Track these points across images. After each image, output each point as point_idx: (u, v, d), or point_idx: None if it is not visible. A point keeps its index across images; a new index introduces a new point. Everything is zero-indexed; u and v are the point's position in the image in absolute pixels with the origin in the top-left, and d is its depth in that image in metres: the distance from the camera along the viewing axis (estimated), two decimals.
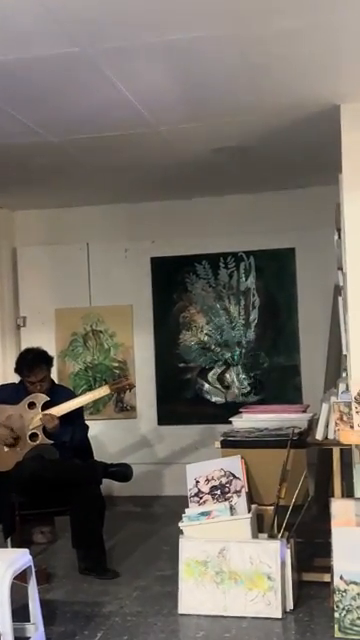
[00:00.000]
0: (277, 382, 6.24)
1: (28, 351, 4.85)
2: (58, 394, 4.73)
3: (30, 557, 3.28)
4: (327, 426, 3.92)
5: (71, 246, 6.61)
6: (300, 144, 4.81)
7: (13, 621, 3.03)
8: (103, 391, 4.74)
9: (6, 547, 4.52)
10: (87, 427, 4.86)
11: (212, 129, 4.44)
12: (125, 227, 6.52)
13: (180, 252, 6.40)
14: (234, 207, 6.29)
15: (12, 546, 4.55)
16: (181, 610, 3.76)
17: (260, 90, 3.80)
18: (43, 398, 4.60)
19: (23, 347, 6.59)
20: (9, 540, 4.63)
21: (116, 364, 6.57)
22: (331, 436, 3.89)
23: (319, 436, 3.94)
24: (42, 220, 6.69)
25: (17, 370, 4.76)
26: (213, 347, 6.41)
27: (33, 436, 4.56)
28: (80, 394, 5.04)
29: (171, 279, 6.46)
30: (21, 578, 3.24)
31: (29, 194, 6.10)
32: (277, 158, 5.19)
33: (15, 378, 5.02)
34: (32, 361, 4.69)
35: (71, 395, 4.82)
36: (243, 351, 6.35)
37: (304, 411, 4.56)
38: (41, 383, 4.65)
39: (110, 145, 4.65)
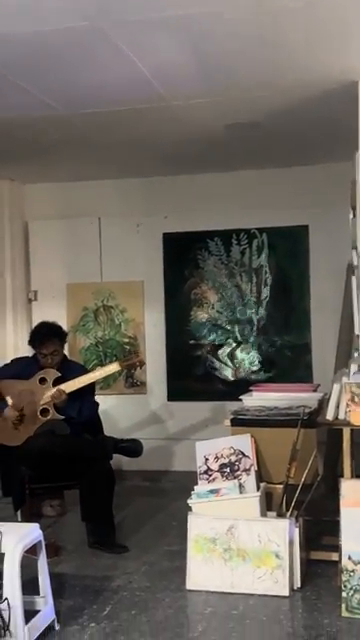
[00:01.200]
0: (288, 360, 6.24)
1: (43, 324, 4.86)
2: (70, 369, 4.73)
3: (40, 531, 3.31)
4: (338, 406, 3.91)
5: (83, 220, 6.58)
6: (315, 120, 4.75)
7: (23, 594, 3.06)
8: (113, 367, 4.74)
9: (16, 519, 4.57)
10: (97, 404, 4.86)
11: (226, 104, 4.39)
12: (137, 202, 6.48)
13: (192, 228, 6.36)
14: (247, 183, 6.23)
15: (22, 518, 4.59)
16: (189, 586, 3.79)
17: (276, 66, 3.75)
18: (54, 374, 4.61)
19: (35, 321, 6.61)
20: (19, 512, 4.68)
21: (127, 340, 6.58)
22: (342, 416, 3.88)
23: (329, 416, 3.93)
24: (54, 194, 6.65)
25: (31, 342, 4.77)
26: (224, 324, 6.40)
27: (44, 411, 4.58)
28: (91, 370, 5.05)
29: (183, 255, 6.43)
30: (31, 551, 3.27)
31: (41, 167, 6.06)
32: (291, 134, 5.13)
33: (26, 352, 5.04)
34: (46, 334, 4.70)
35: (82, 371, 4.82)
36: (254, 329, 6.33)
37: (315, 390, 4.55)
38: (52, 356, 4.66)
39: (122, 119, 4.61)
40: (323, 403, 4.23)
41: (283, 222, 6.19)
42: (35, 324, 5.06)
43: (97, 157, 5.70)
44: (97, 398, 4.93)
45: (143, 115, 4.53)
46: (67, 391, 4.53)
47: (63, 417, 4.59)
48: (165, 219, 6.44)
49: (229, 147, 5.41)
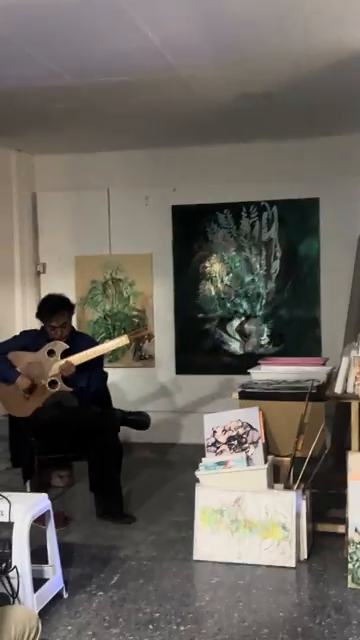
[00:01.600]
0: (296, 334, 6.23)
1: (50, 296, 4.86)
2: (78, 342, 4.74)
3: (49, 501, 3.34)
4: (347, 380, 3.90)
5: (91, 192, 6.55)
6: (328, 91, 4.68)
7: (32, 563, 3.10)
8: (122, 341, 4.74)
9: (25, 490, 4.62)
10: (106, 375, 4.87)
11: (236, 75, 4.33)
12: (146, 173, 6.43)
13: (202, 200, 6.32)
14: (257, 155, 6.17)
15: (31, 489, 4.64)
16: (196, 556, 3.83)
17: (288, 35, 3.68)
18: (62, 346, 4.62)
19: (43, 294, 6.61)
20: (28, 483, 4.73)
21: (135, 313, 6.58)
22: (350, 390, 3.87)
23: (338, 390, 3.92)
24: (62, 165, 6.62)
25: (38, 315, 4.77)
26: (233, 298, 6.38)
27: (52, 383, 4.60)
28: (99, 342, 5.05)
29: (192, 228, 6.40)
30: (40, 521, 3.31)
31: (49, 138, 6.02)
32: (303, 105, 5.06)
33: (35, 324, 5.05)
34: (54, 306, 4.70)
35: (91, 343, 4.83)
36: (263, 302, 6.31)
37: (323, 364, 4.55)
38: (62, 329, 4.66)
39: (131, 90, 4.56)
40: (332, 377, 4.23)
41: (293, 195, 6.14)
42: (42, 297, 5.06)
43: (106, 128, 5.65)
44: (106, 371, 4.94)
45: (152, 85, 4.48)
46: (75, 363, 4.54)
47: (71, 389, 4.61)
48: (174, 191, 6.39)
49: (239, 118, 5.35)
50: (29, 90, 4.50)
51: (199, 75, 4.30)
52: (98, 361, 4.73)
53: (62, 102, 4.81)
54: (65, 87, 4.44)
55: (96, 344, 4.81)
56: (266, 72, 4.28)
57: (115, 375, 5.86)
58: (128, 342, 4.81)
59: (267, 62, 4.10)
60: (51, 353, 4.62)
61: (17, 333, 5.13)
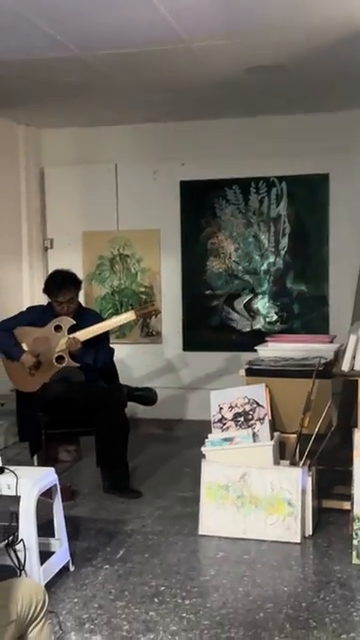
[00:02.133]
0: (304, 311, 6.20)
1: (57, 272, 4.85)
2: (85, 317, 4.74)
3: (56, 475, 3.36)
4: (354, 357, 3.89)
5: (99, 167, 6.51)
6: (340, 64, 4.61)
7: (38, 536, 3.13)
8: (128, 316, 4.74)
9: (32, 464, 4.65)
10: (113, 350, 4.88)
11: (248, 47, 4.26)
12: (154, 148, 6.38)
13: (210, 176, 6.27)
14: (267, 129, 6.11)
15: (38, 463, 4.68)
16: (201, 531, 3.86)
17: (301, 7, 3.62)
18: (69, 322, 4.62)
19: (50, 269, 6.60)
20: (35, 457, 4.76)
21: (142, 289, 6.57)
22: (357, 367, 3.86)
23: (345, 367, 3.91)
24: (70, 139, 6.57)
25: (46, 290, 4.76)
26: (241, 275, 6.36)
27: (59, 359, 4.61)
28: (106, 318, 5.05)
29: (200, 204, 6.36)
30: (47, 495, 3.33)
31: (57, 112, 5.97)
32: (315, 79, 4.99)
33: (42, 300, 5.04)
34: (61, 281, 4.69)
35: (98, 319, 4.83)
36: (271, 279, 6.29)
37: (331, 341, 4.53)
38: (68, 304, 4.66)
39: (140, 62, 4.50)
40: (339, 354, 4.22)
41: (303, 170, 6.08)
42: (50, 272, 5.05)
43: (114, 101, 5.59)
44: (113, 347, 4.94)
45: (162, 57, 4.42)
46: (82, 339, 4.55)
47: (78, 365, 4.62)
48: (182, 166, 6.34)
49: (250, 91, 5.28)
50: (37, 62, 4.46)
51: (209, 47, 4.24)
52: (104, 337, 4.74)
53: (70, 75, 4.76)
54: (73, 59, 4.39)
55: (102, 320, 4.82)
56: (278, 44, 4.21)
57: (122, 351, 5.87)
58: (135, 318, 4.81)
59: (279, 34, 4.04)
60: (58, 328, 4.63)
61: (24, 309, 5.14)
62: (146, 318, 5.47)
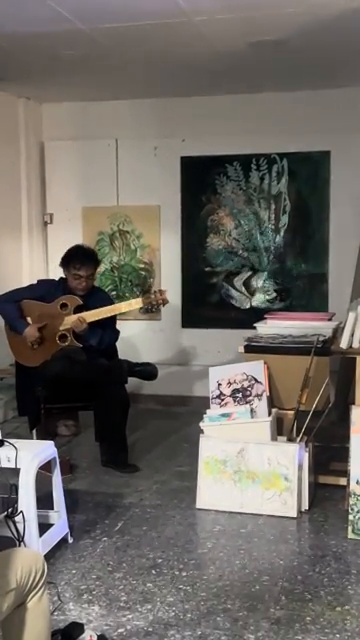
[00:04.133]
0: (304, 289, 6.20)
1: (80, 246, 4.81)
2: (95, 298, 4.70)
3: (55, 449, 3.39)
4: (352, 335, 3.90)
5: (99, 142, 6.46)
6: (344, 40, 4.55)
7: (37, 508, 3.16)
8: (136, 303, 4.72)
9: (31, 438, 4.67)
10: (118, 332, 4.86)
11: (251, 21, 4.21)
12: (155, 123, 6.33)
13: (211, 152, 6.23)
14: (269, 106, 6.06)
15: (37, 437, 4.70)
16: (199, 505, 3.89)
17: None
18: (76, 301, 4.60)
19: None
20: (34, 431, 4.78)
21: (142, 265, 6.56)
22: (356, 345, 3.88)
23: (344, 345, 3.93)
24: (70, 114, 6.52)
25: (65, 262, 4.67)
26: (240, 252, 6.34)
27: (62, 337, 4.59)
28: (113, 297, 5.01)
29: (201, 180, 6.32)
30: (46, 468, 3.36)
31: (58, 86, 5.91)
32: (317, 55, 4.94)
33: (42, 275, 5.02)
34: (85, 255, 4.65)
35: (107, 301, 4.78)
36: (271, 257, 6.27)
37: (330, 319, 4.53)
38: (87, 280, 4.64)
39: (142, 35, 4.45)
40: (337, 332, 4.22)
41: (304, 147, 6.04)
42: (71, 246, 4.94)
43: (115, 75, 5.54)
44: (119, 329, 4.92)
45: (163, 31, 4.37)
46: (88, 320, 4.53)
47: (81, 345, 4.59)
48: (183, 142, 6.30)
49: (252, 67, 5.23)
50: (38, 35, 4.41)
51: (211, 21, 4.19)
52: (112, 319, 4.71)
53: (72, 48, 4.71)
54: (75, 32, 4.34)
55: (111, 302, 4.79)
56: (281, 19, 4.16)
57: (121, 328, 5.83)
58: (142, 306, 4.78)
59: (282, 8, 3.99)
60: (64, 306, 4.61)
61: (34, 282, 5.08)
62: (152, 307, 5.44)
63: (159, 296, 4.73)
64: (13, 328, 4.67)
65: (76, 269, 4.60)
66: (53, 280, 4.92)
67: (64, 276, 4.75)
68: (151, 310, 6.35)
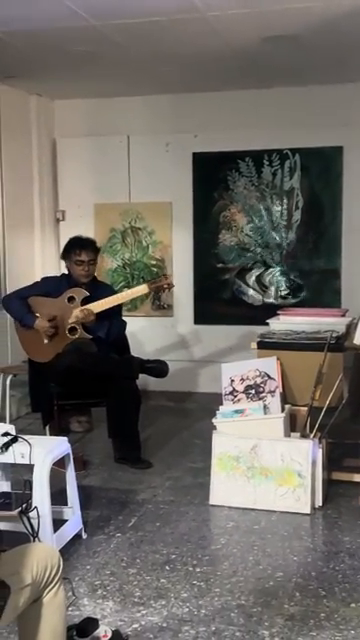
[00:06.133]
0: (316, 285, 6.18)
1: (78, 236, 4.86)
2: (98, 289, 4.75)
3: (68, 445, 3.40)
4: None
5: (111, 138, 6.47)
6: (358, 34, 4.53)
7: (52, 504, 3.17)
8: (141, 289, 4.74)
9: (45, 434, 4.69)
10: (125, 323, 4.90)
11: (264, 16, 4.20)
12: (167, 120, 6.33)
13: (223, 148, 6.22)
14: (281, 101, 6.05)
15: (50, 434, 4.72)
16: (212, 501, 3.89)
17: None
18: (83, 293, 4.63)
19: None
20: (47, 428, 4.80)
21: (154, 262, 6.56)
22: None
23: (357, 341, 3.92)
24: (82, 110, 6.53)
25: (66, 251, 4.74)
26: (253, 248, 6.33)
27: (72, 330, 4.63)
28: (118, 291, 5.06)
29: (213, 176, 6.32)
30: (60, 464, 3.37)
31: (70, 83, 5.92)
32: (331, 49, 4.92)
33: (54, 271, 5.04)
34: (84, 241, 4.73)
35: (111, 292, 4.84)
36: (283, 253, 6.26)
37: (343, 315, 4.53)
38: (89, 266, 4.68)
39: (155, 31, 4.45)
40: (351, 328, 4.22)
41: (317, 143, 6.02)
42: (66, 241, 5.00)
43: (127, 72, 5.54)
44: (124, 319, 4.95)
45: (176, 27, 4.36)
46: (95, 311, 4.56)
47: (91, 337, 4.63)
48: (195, 138, 6.30)
49: (264, 62, 5.22)
50: (50, 31, 4.41)
51: (225, 17, 4.18)
52: (117, 310, 4.75)
53: (83, 44, 4.71)
54: (87, 28, 4.35)
55: (115, 293, 4.82)
56: (295, 13, 4.15)
57: (133, 324, 5.87)
58: (148, 291, 4.80)
59: (295, 3, 3.98)
60: (71, 299, 4.64)
61: (38, 279, 5.15)
62: (159, 292, 5.47)
63: (164, 280, 4.74)
64: (23, 323, 4.70)
65: (77, 255, 4.66)
66: (56, 276, 4.99)
67: (66, 272, 4.82)
68: (158, 298, 6.38)
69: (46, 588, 2.16)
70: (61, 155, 6.63)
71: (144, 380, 5.21)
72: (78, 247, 4.68)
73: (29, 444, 3.15)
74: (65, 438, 3.44)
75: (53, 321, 4.61)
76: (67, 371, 4.53)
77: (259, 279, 6.33)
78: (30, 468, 3.14)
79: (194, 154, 6.33)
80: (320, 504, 3.82)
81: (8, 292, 5.28)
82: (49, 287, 4.77)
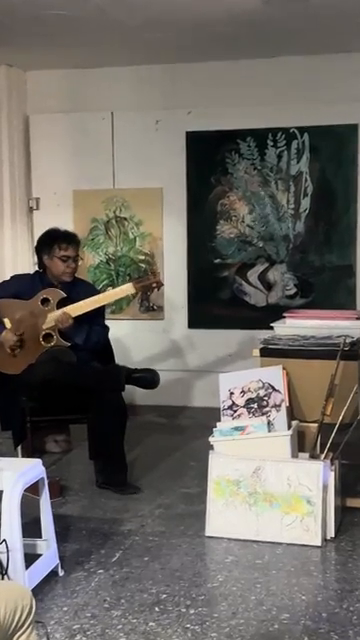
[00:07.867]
0: (328, 284, 6.22)
1: (57, 228, 4.83)
2: (77, 289, 4.74)
3: (43, 468, 3.39)
4: None
5: (93, 115, 6.51)
6: None
7: (23, 536, 3.16)
8: (126, 289, 4.75)
9: (16, 456, 4.69)
10: (107, 328, 4.90)
11: None
12: (157, 94, 6.37)
13: (221, 126, 6.26)
14: (287, 72, 6.09)
15: (22, 455, 4.72)
16: (208, 532, 3.89)
17: None
18: (59, 294, 4.62)
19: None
20: (19, 448, 4.80)
21: (142, 257, 6.58)
22: None
23: None
24: (59, 83, 6.56)
25: (47, 245, 4.69)
26: (255, 241, 6.36)
27: (47, 337, 4.61)
28: (101, 291, 5.07)
29: (209, 158, 6.36)
30: (33, 490, 3.37)
31: (45, 51, 5.95)
32: (343, 12, 4.95)
33: (27, 268, 5.04)
34: (68, 235, 4.71)
35: (92, 291, 4.84)
36: (290, 246, 6.29)
37: (358, 318, 4.55)
38: (75, 261, 4.67)
39: None
40: None
41: (328, 120, 6.07)
42: (42, 232, 4.97)
43: (111, 39, 5.56)
44: (108, 323, 4.96)
45: None
46: (73, 315, 4.55)
47: (69, 344, 4.63)
48: (189, 115, 6.33)
49: (267, 27, 5.26)
50: None
51: None
52: (99, 312, 4.75)
53: (60, 8, 4.73)
54: None
55: (97, 293, 4.82)
56: None
57: (118, 328, 5.89)
58: (134, 291, 4.81)
59: None
60: (45, 302, 4.63)
61: (7, 278, 5.14)
62: (146, 291, 5.48)
63: (152, 278, 4.75)
64: None
65: (63, 249, 4.65)
66: (28, 274, 4.97)
67: (39, 269, 4.81)
68: (147, 299, 6.40)
69: (16, 634, 2.16)
70: (35, 134, 6.65)
71: (131, 393, 5.22)
72: (65, 241, 4.65)
73: None
74: (39, 460, 3.43)
75: (22, 335, 4.59)
76: (42, 384, 4.51)
77: (262, 277, 6.36)
78: None
79: (188, 133, 6.36)
80: (332, 535, 3.82)
81: None
82: (20, 287, 4.76)
